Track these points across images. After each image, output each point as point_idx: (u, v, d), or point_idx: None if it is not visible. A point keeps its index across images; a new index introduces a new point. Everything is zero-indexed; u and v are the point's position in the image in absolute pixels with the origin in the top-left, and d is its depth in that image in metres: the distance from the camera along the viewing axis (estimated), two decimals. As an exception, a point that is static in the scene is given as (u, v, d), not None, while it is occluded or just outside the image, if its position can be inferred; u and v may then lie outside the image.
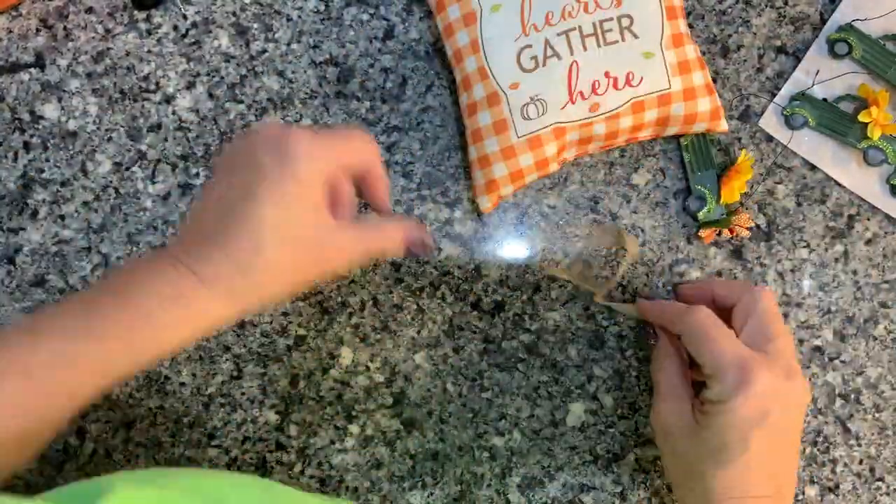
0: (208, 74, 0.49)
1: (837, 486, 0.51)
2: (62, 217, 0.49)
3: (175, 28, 0.49)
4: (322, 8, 0.50)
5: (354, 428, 0.50)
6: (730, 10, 0.51)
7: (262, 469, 0.49)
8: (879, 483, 0.51)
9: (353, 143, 0.38)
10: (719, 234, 0.50)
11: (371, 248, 0.39)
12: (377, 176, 0.40)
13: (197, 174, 0.49)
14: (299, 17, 0.50)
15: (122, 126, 0.49)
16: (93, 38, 0.49)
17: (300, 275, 0.37)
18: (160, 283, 0.35)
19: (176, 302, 0.35)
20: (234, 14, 0.49)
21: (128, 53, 0.49)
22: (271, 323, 0.49)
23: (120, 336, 0.34)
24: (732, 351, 0.41)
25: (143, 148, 0.49)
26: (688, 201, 0.50)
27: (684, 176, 0.51)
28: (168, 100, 0.49)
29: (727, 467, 0.41)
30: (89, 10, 0.49)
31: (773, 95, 0.51)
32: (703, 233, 0.50)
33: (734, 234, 0.50)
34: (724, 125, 0.49)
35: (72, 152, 0.49)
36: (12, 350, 0.33)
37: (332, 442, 0.50)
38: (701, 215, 0.50)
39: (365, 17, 0.50)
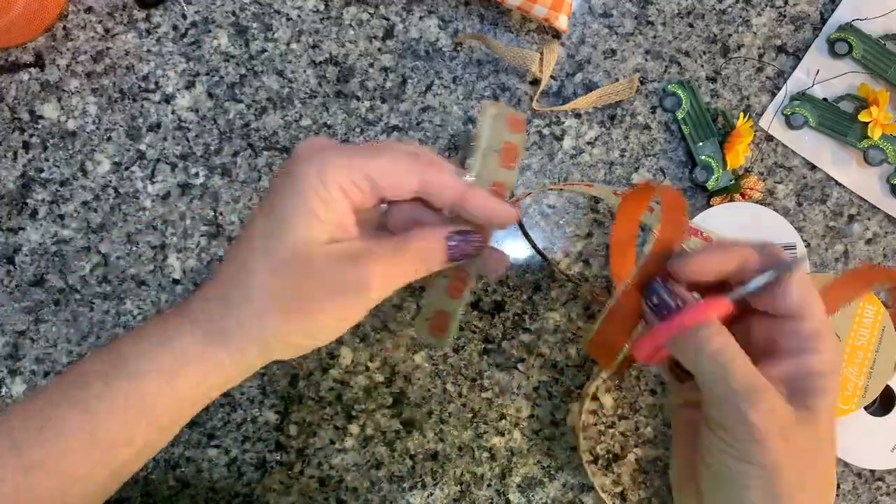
0: (208, 74, 0.49)
1: (838, 486, 0.51)
2: (61, 217, 0.49)
3: (174, 28, 0.49)
4: (322, 7, 0.50)
5: (354, 428, 0.49)
6: (730, 9, 0.51)
7: (262, 469, 0.49)
8: (879, 483, 0.51)
9: (382, 159, 0.32)
10: (731, 200, 0.49)
11: (406, 265, 0.33)
12: (441, 185, 0.32)
13: (196, 174, 0.49)
14: (299, 16, 0.50)
15: (121, 126, 0.49)
16: (92, 37, 0.49)
17: (319, 308, 0.31)
18: (152, 328, 0.32)
19: (161, 343, 0.31)
20: (233, 13, 0.49)
21: (127, 53, 0.49)
22: (271, 323, 0.49)
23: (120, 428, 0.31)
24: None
25: (143, 147, 0.49)
26: (694, 172, 0.50)
27: (685, 175, 0.51)
28: (167, 99, 0.49)
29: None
30: (89, 10, 0.49)
31: (773, 95, 0.51)
32: (713, 201, 0.50)
33: (746, 197, 0.49)
34: (562, 22, 0.48)
35: (71, 152, 0.49)
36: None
37: (332, 442, 0.49)
38: (710, 185, 0.49)
39: (365, 16, 0.50)
